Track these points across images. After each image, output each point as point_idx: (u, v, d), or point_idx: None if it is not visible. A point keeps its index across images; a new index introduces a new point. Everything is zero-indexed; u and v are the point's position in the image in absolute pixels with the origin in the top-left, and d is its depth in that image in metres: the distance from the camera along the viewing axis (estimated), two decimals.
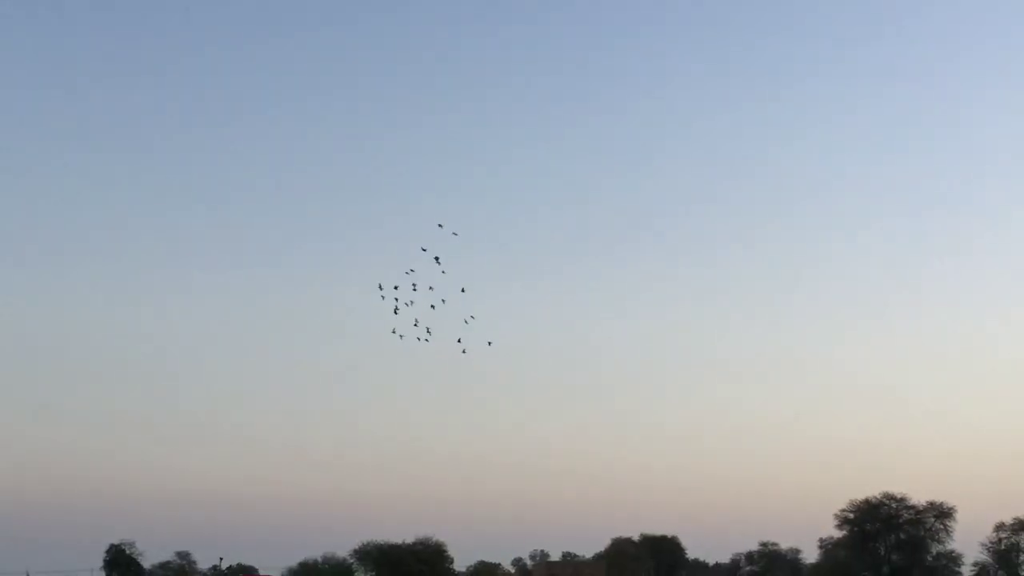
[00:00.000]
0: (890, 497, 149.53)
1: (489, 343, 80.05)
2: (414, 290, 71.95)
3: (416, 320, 72.15)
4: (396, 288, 71.78)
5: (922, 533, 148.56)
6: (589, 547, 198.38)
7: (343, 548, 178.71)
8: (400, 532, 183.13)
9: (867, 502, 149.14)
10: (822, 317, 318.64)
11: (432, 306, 72.24)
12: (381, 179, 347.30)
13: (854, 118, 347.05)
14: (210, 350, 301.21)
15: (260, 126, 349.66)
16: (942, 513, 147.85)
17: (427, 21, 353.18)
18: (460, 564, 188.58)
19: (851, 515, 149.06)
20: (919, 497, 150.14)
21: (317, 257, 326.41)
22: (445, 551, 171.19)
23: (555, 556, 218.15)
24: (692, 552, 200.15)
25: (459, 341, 74.37)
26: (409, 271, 72.15)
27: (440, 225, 74.06)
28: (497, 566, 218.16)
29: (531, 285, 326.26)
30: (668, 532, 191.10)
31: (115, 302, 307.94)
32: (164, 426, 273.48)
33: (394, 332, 72.51)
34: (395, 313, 71.83)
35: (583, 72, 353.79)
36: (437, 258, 71.56)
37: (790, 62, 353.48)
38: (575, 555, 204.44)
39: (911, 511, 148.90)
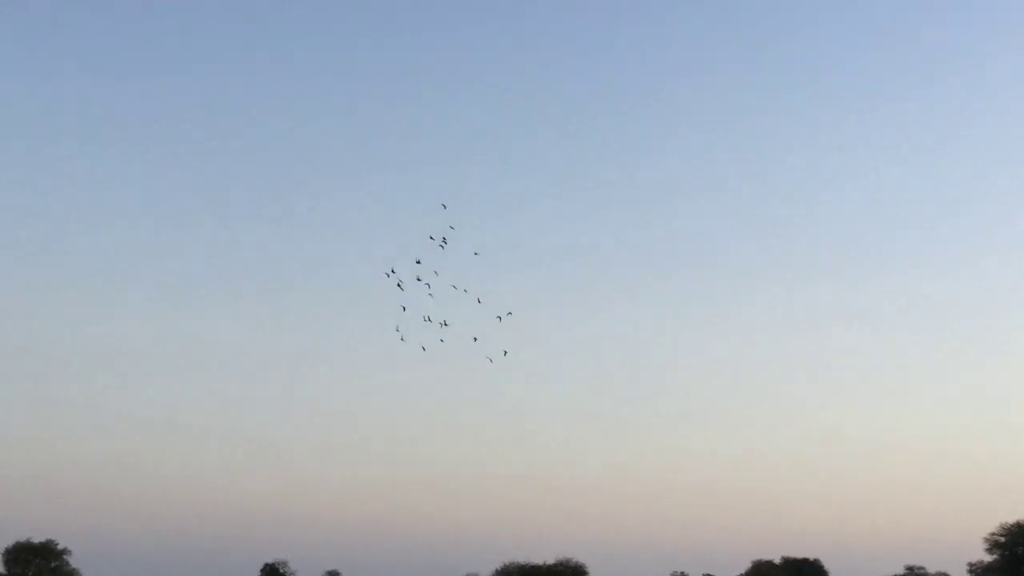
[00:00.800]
0: None
1: (505, 352, 76.37)
2: (426, 286, 69.89)
3: (429, 316, 70.00)
4: (392, 273, 69.53)
5: None
6: (729, 569, 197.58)
7: (486, 568, 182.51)
8: (541, 553, 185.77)
9: (1019, 525, 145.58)
10: (966, 337, 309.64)
11: (454, 286, 69.96)
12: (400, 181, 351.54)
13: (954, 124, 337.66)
14: (355, 377, 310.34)
15: (266, 124, 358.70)
16: None
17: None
18: None
19: (1002, 538, 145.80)
20: None
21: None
22: (585, 572, 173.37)
23: None
24: None
25: (475, 340, 71.61)
26: (417, 262, 69.94)
27: (444, 206, 72.59)
28: None
29: (669, 300, 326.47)
30: (810, 555, 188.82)
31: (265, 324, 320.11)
32: (313, 450, 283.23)
33: (397, 330, 70.70)
34: (403, 310, 69.79)
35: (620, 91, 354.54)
36: (444, 241, 69.42)
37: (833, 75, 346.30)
38: None
39: None
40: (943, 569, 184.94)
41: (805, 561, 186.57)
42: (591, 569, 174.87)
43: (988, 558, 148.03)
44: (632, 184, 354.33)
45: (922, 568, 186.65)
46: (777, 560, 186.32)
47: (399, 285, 69.73)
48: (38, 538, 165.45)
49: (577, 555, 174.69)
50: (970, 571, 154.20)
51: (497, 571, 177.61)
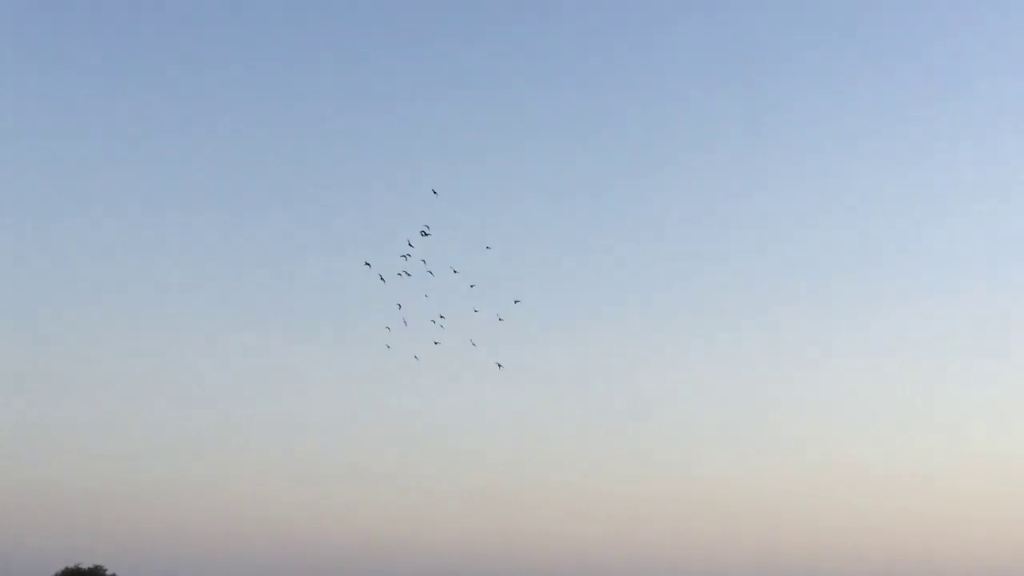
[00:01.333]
0: None
1: (500, 366, 77.07)
2: (428, 273, 70.34)
3: (436, 318, 70.86)
4: (368, 265, 69.59)
5: None
6: None
7: None
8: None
9: None
10: None
11: (455, 271, 70.73)
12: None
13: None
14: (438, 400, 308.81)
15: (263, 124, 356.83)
16: None
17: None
18: None
19: None
20: None
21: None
22: None
23: None
24: None
25: (473, 344, 72.77)
26: (406, 256, 70.42)
27: (435, 191, 75.20)
28: None
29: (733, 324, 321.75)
30: None
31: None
32: (368, 473, 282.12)
33: (388, 329, 71.95)
34: (398, 308, 70.79)
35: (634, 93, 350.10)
36: (424, 230, 69.39)
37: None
38: None
39: None
40: None
41: None
42: None
43: None
44: (672, 186, 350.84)
45: None
46: None
47: (381, 277, 69.63)
48: (87, 563, 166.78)
49: None
50: None
51: None
